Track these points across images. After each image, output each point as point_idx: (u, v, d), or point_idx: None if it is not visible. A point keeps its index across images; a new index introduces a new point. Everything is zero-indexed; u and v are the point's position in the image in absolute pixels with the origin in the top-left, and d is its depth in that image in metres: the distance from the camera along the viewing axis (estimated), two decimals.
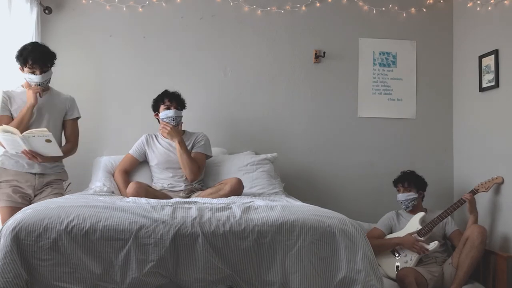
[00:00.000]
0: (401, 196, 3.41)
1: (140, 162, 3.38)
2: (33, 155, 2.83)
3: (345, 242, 2.18)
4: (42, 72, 2.91)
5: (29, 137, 2.74)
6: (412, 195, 3.38)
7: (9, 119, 2.96)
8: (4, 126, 2.78)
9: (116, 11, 3.81)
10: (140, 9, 3.84)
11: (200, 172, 3.27)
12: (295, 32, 3.96)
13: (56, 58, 3.01)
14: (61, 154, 2.91)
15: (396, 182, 3.50)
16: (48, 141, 2.76)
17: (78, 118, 3.19)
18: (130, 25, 3.84)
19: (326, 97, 3.97)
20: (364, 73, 4.01)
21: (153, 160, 3.32)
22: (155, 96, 3.79)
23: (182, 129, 3.41)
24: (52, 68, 3.00)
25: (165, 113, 3.28)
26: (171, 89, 3.37)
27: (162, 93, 3.37)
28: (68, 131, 3.14)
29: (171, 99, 3.31)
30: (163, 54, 3.86)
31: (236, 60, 3.91)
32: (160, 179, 3.28)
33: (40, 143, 2.78)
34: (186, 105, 3.40)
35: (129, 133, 3.69)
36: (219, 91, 3.88)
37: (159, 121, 3.37)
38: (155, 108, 3.37)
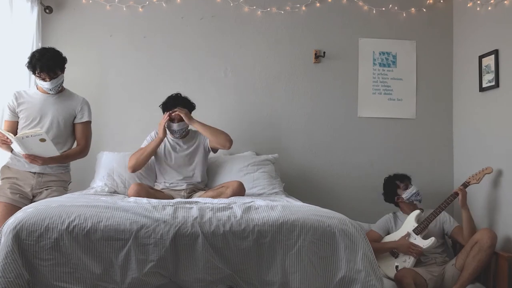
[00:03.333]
0: (409, 193, 3.38)
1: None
2: (33, 158, 2.84)
3: (345, 242, 2.18)
4: (51, 78, 2.93)
5: (22, 138, 2.74)
6: (413, 188, 3.39)
7: (14, 125, 3.02)
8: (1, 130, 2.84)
9: (117, 11, 3.82)
10: (140, 9, 3.85)
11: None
12: (295, 32, 3.96)
13: (66, 62, 3.02)
14: (57, 153, 2.90)
15: (392, 192, 3.46)
16: (43, 140, 2.76)
17: (88, 122, 3.16)
18: (130, 25, 3.84)
19: (326, 97, 3.98)
20: (364, 73, 4.01)
21: (160, 157, 3.32)
22: (155, 96, 3.80)
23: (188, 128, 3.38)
24: (63, 72, 3.01)
25: (169, 125, 3.25)
26: (176, 91, 3.31)
27: (169, 99, 3.29)
28: (78, 134, 3.13)
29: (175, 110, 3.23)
30: (163, 54, 3.86)
31: (236, 61, 3.92)
32: (163, 177, 3.30)
33: (35, 143, 2.78)
34: (194, 106, 3.34)
35: (130, 131, 3.75)
36: (219, 91, 3.88)
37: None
38: (163, 111, 3.30)
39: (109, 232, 2.10)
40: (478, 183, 3.33)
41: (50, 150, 2.85)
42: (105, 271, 2.10)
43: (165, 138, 3.33)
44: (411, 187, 3.42)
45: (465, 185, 3.32)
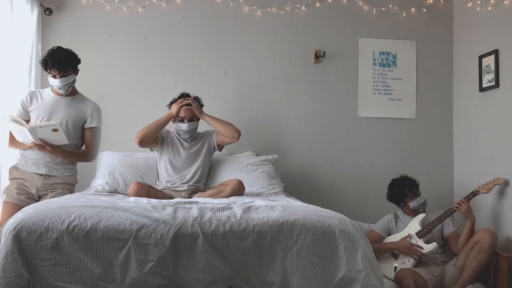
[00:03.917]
0: (416, 202, 3.36)
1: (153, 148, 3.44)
2: (41, 145, 2.86)
3: (345, 242, 2.18)
4: (62, 76, 2.96)
5: (36, 128, 2.79)
6: (421, 198, 3.38)
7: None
8: (14, 116, 2.87)
9: (116, 11, 3.82)
10: (140, 9, 3.85)
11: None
12: (295, 32, 3.96)
13: (79, 63, 3.06)
14: (67, 142, 2.94)
15: (399, 198, 3.43)
16: (55, 130, 2.82)
17: (96, 127, 3.17)
18: (130, 25, 3.85)
19: (326, 97, 3.98)
20: (364, 73, 4.01)
21: (163, 154, 3.35)
22: (155, 96, 3.81)
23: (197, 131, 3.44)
24: (74, 73, 3.05)
25: (178, 126, 3.31)
26: (177, 91, 3.41)
27: (180, 95, 3.39)
28: (87, 138, 3.15)
29: (185, 110, 3.29)
30: (163, 54, 3.86)
31: (236, 61, 3.92)
32: (165, 177, 3.30)
33: (46, 133, 2.83)
34: (203, 105, 3.42)
35: (130, 130, 3.70)
36: (219, 91, 3.89)
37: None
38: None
39: (109, 232, 2.10)
40: (487, 193, 3.31)
41: (61, 139, 2.90)
42: (105, 271, 2.10)
43: (172, 135, 3.36)
44: (419, 196, 3.39)
45: (474, 193, 3.30)
